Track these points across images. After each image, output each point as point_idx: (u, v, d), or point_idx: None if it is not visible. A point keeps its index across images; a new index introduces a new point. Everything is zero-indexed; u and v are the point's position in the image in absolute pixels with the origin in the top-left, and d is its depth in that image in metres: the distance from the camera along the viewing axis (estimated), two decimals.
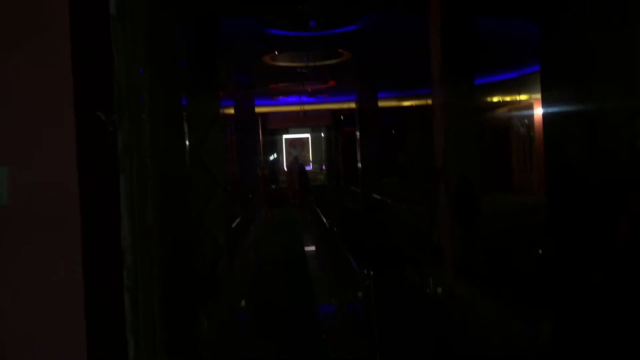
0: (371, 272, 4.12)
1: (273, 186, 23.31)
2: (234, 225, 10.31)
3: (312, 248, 10.69)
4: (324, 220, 9.59)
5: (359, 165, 15.62)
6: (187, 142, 6.56)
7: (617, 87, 3.78)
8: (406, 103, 22.53)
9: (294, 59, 12.90)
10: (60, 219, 2.24)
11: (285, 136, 27.46)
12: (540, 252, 6.17)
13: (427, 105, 20.81)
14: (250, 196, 13.82)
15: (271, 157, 25.60)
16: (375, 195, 13.66)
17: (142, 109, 2.48)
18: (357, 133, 15.52)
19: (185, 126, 6.34)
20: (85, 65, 2.31)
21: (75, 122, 2.30)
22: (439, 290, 6.83)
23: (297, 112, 19.92)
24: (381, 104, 19.07)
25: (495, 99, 22.56)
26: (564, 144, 4.33)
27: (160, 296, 2.40)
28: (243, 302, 7.33)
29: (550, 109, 4.35)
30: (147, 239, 2.40)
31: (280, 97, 19.77)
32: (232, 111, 14.80)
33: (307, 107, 20.85)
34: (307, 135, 27.96)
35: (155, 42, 2.70)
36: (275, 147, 26.04)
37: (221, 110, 6.98)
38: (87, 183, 2.28)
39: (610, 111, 3.91)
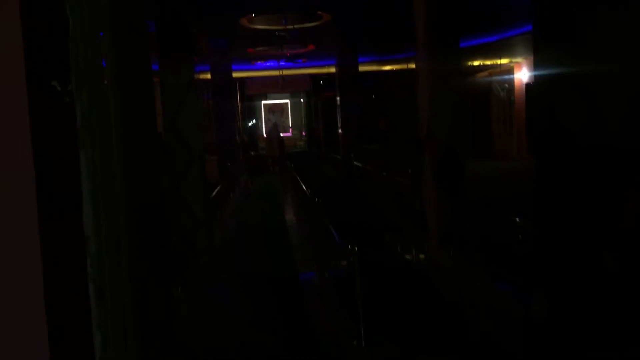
0: (355, 248, 3.94)
1: (252, 153, 22.98)
2: (214, 193, 10.09)
3: (293, 217, 10.50)
4: (304, 189, 9.40)
5: (339, 131, 15.37)
6: (161, 111, 6.25)
7: (615, 48, 3.59)
8: (387, 67, 22.18)
9: (271, 22, 12.47)
10: (13, 202, 1.99)
11: (264, 102, 26.98)
12: (517, 220, 6.06)
13: (409, 70, 20.59)
14: (228, 164, 13.54)
15: (250, 123, 25.18)
16: (356, 163, 13.47)
17: (103, 76, 2.21)
18: (337, 98, 15.21)
19: (159, 94, 6.03)
20: (37, 28, 2.03)
21: (27, 93, 2.04)
22: (422, 258, 6.73)
23: (275, 77, 19.47)
24: (361, 68, 18.73)
25: (475, 63, 22.38)
26: (555, 107, 4.15)
27: (130, 285, 2.18)
28: (223, 273, 7.19)
29: (543, 71, 4.15)
30: (114, 223, 2.17)
31: (259, 61, 19.26)
32: (208, 76, 14.37)
33: (286, 72, 20.39)
34: (287, 100, 27.51)
35: (117, 1, 2.41)
36: (254, 113, 25.60)
37: (196, 76, 6.65)
38: (43, 162, 2.02)
39: (606, 73, 3.73)
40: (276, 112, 27.75)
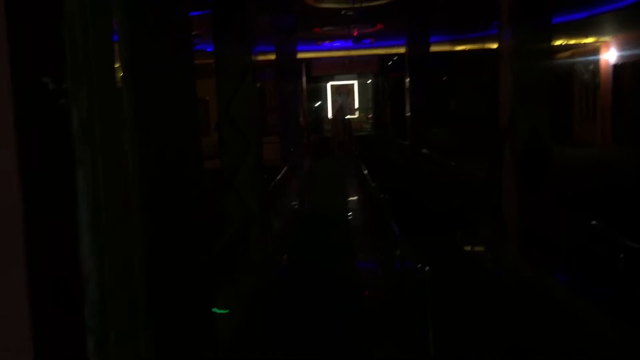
0: (427, 268, 3.37)
1: (317, 135, 22.54)
2: (275, 180, 9.73)
3: (355, 212, 9.90)
4: (368, 181, 8.82)
5: (408, 114, 14.60)
6: (216, 99, 5.83)
7: None
8: (460, 47, 21.04)
9: (338, 0, 11.83)
10: None
11: (330, 83, 26.42)
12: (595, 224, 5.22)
13: (483, 50, 19.39)
14: (291, 149, 13.12)
15: (316, 105, 24.69)
16: (424, 150, 12.71)
17: (112, 70, 1.73)
18: (406, 80, 14.42)
19: (214, 81, 5.60)
20: (23, 9, 1.57)
21: (12, 92, 1.59)
22: (500, 266, 6.03)
23: (342, 58, 18.83)
24: (432, 48, 17.76)
25: (556, 43, 20.83)
26: None
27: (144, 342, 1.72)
28: (285, 258, 6.80)
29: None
30: (124, 262, 1.70)
31: (325, 42, 18.68)
32: (272, 57, 13.96)
33: (353, 53, 19.70)
34: (354, 82, 26.81)
35: None
36: (320, 94, 25.09)
37: (256, 57, 6.16)
38: (32, 183, 1.57)
39: None
40: (343, 93, 27.13)
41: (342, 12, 12.08)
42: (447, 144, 18.80)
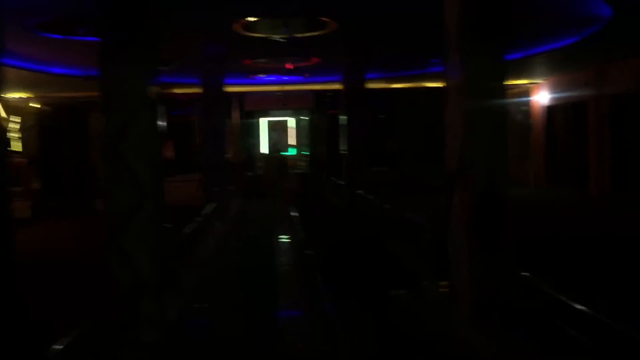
0: None
1: (249, 173, 21.34)
2: (193, 224, 8.45)
3: (284, 260, 8.71)
4: (297, 225, 7.74)
5: (344, 152, 13.71)
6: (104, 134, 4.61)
7: None
8: (399, 85, 20.64)
9: (270, 30, 10.89)
10: None
11: (265, 119, 25.41)
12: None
13: (421, 88, 18.90)
14: (215, 188, 11.89)
15: (248, 142, 23.52)
16: (359, 192, 11.78)
17: None
18: (341, 117, 13.58)
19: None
20: None
21: None
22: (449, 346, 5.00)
23: (276, 93, 17.90)
24: (370, 85, 17.14)
25: None
26: None
27: None
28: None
29: None
30: None
31: (258, 75, 17.72)
32: (199, 90, 12.83)
33: (287, 87, 18.85)
34: (290, 118, 25.94)
35: None
36: (254, 130, 23.98)
37: (157, 89, 5.00)
38: None
39: None
40: (278, 130, 26.17)
41: (275, 40, 11.12)
42: (386, 184, 18.12)
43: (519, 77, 19.11)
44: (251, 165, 22.48)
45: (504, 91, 5.10)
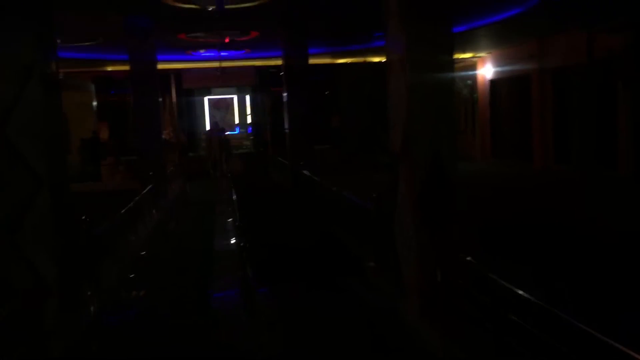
0: None
1: (191, 154, 20.46)
2: (123, 210, 7.74)
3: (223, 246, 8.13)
4: (236, 209, 7.17)
5: (286, 130, 13.12)
6: None
7: None
8: (341, 60, 20.09)
9: (201, 0, 10.11)
10: None
11: (207, 97, 24.40)
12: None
13: (365, 63, 18.42)
14: (150, 173, 11.10)
15: (188, 121, 22.53)
16: (304, 171, 11.26)
17: None
18: (284, 94, 12.96)
19: None
20: None
21: None
22: (394, 339, 4.59)
23: (215, 70, 17.05)
24: (313, 60, 16.54)
25: None
26: None
27: None
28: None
29: None
30: None
31: (196, 51, 16.79)
32: (127, 67, 11.90)
33: (227, 64, 17.97)
34: (233, 96, 25.01)
35: None
36: (195, 109, 22.99)
37: (53, 64, 4.27)
38: None
39: None
40: (221, 108, 25.24)
41: (207, 11, 10.33)
42: (331, 162, 17.67)
43: (463, 51, 18.93)
44: (193, 146, 21.56)
45: (450, 64, 4.64)
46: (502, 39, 16.66)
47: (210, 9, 10.06)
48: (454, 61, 4.71)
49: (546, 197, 10.52)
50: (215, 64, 17.41)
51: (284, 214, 10.18)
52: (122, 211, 7.76)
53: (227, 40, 14.27)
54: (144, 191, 10.04)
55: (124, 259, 6.77)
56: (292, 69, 12.61)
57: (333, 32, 14.64)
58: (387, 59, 4.98)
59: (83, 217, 5.57)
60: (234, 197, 9.13)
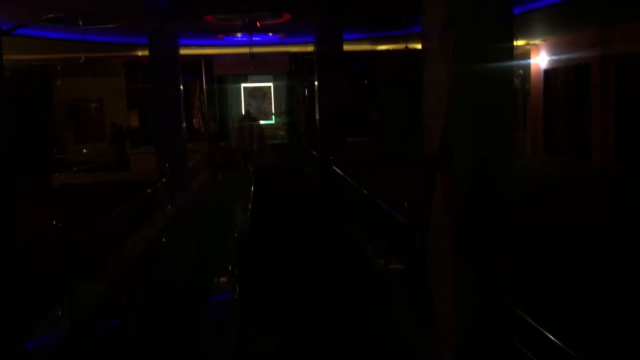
0: None
1: (222, 144, 19.67)
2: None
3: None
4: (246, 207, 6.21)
5: (317, 121, 12.08)
6: None
7: None
8: (382, 47, 18.84)
9: None
10: None
11: (243, 85, 23.55)
12: None
13: (409, 50, 17.13)
14: (167, 164, 10.27)
15: (219, 109, 21.71)
16: (335, 167, 10.19)
17: None
18: (315, 83, 11.91)
19: None
20: None
21: None
22: None
23: (247, 55, 16.12)
24: (350, 47, 15.39)
25: None
26: None
27: None
28: None
29: None
30: None
31: (227, 35, 15.88)
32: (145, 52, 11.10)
33: (260, 49, 17.03)
34: (270, 84, 24.09)
35: None
36: (227, 96, 22.17)
37: None
38: None
39: None
40: (258, 96, 24.36)
41: None
42: (369, 155, 16.54)
43: (515, 38, 17.35)
44: (225, 135, 20.77)
45: (508, 50, 3.51)
46: (559, 24, 15.10)
47: None
48: (512, 47, 3.56)
49: (611, 205, 9.11)
50: (247, 50, 16.48)
51: (304, 218, 9.12)
52: (115, 212, 6.79)
53: (258, 24, 13.31)
54: (149, 191, 8.97)
55: (111, 271, 5.85)
56: (325, 54, 11.53)
57: (372, 15, 13.47)
58: (422, 40, 3.87)
59: (54, 223, 4.70)
60: (249, 209, 8.06)
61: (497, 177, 3.43)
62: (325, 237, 7.80)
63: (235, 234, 4.61)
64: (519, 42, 18.15)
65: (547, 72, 17.86)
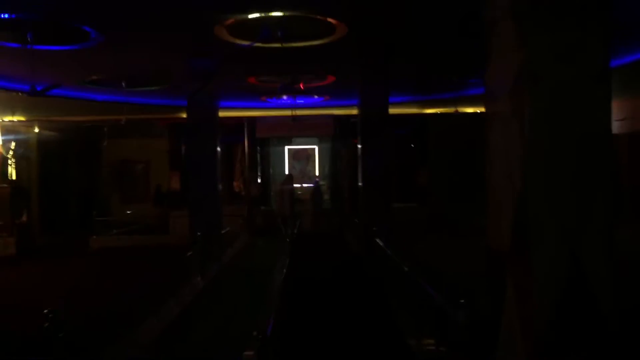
0: None
1: (263, 208, 19.08)
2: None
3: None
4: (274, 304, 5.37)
5: (360, 187, 11.29)
6: None
7: None
8: (430, 110, 18.15)
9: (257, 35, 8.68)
10: None
11: (287, 147, 23.21)
12: None
13: (457, 114, 16.20)
14: (198, 233, 9.61)
15: (262, 172, 21.29)
16: (377, 240, 9.27)
17: None
18: (359, 146, 11.21)
19: None
20: None
21: None
22: None
23: (289, 118, 15.73)
24: (396, 110, 14.75)
25: None
26: None
27: None
28: None
29: None
30: None
31: (270, 97, 15.58)
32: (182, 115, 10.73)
33: (303, 112, 16.63)
34: (314, 146, 23.66)
35: None
36: (269, 159, 21.79)
37: None
38: None
39: None
40: (301, 159, 23.92)
41: (271, 53, 8.89)
42: (416, 222, 15.55)
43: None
44: (267, 199, 20.22)
45: (606, 100, 2.67)
46: None
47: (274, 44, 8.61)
48: (610, 94, 2.71)
49: None
50: (290, 113, 16.09)
51: (341, 298, 8.14)
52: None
53: (301, 86, 12.89)
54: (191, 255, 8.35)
55: None
56: (369, 118, 10.87)
57: (421, 78, 12.85)
58: (486, 101, 3.08)
59: (45, 311, 4.00)
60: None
61: (596, 279, 2.50)
62: (368, 318, 6.83)
63: (254, 333, 3.77)
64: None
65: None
